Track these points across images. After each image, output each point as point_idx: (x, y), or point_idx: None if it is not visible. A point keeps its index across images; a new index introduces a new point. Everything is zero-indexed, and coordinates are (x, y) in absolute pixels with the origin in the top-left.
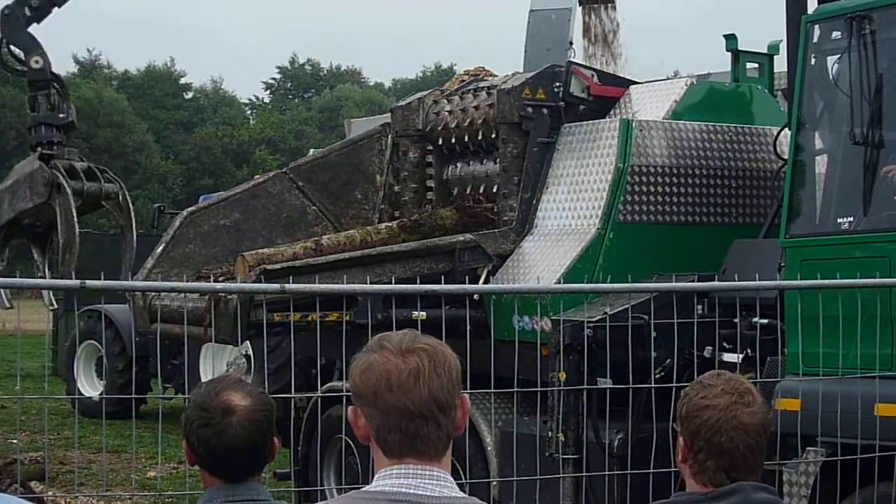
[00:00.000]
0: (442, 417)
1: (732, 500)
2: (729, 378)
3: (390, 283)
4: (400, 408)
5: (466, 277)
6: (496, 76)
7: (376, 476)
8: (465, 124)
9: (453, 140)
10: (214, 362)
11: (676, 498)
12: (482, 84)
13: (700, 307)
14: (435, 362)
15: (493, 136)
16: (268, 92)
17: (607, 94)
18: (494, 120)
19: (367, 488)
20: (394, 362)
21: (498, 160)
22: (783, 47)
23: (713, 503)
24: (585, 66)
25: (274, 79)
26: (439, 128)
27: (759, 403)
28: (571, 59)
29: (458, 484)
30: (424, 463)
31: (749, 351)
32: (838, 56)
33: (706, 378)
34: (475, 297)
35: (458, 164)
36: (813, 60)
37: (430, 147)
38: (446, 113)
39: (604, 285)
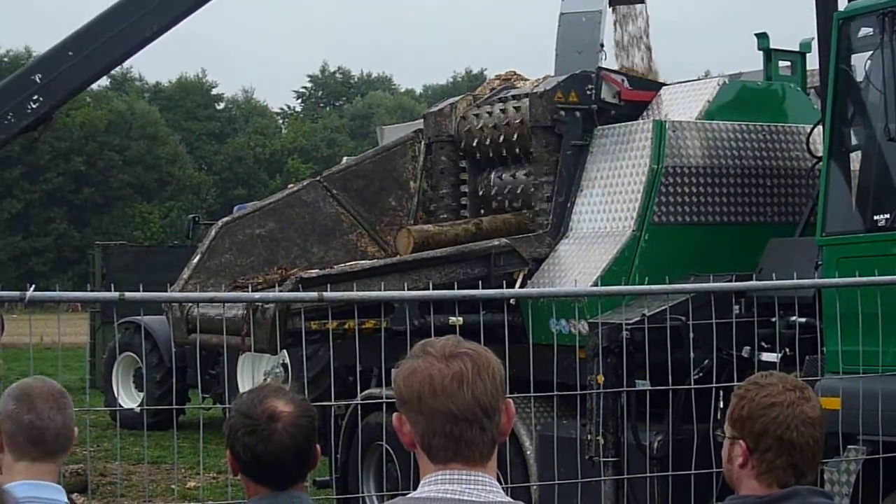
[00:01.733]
0: (486, 421)
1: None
2: (782, 376)
3: (427, 289)
4: (444, 412)
5: (503, 282)
6: (528, 80)
7: (422, 482)
8: (499, 134)
9: (488, 150)
10: (252, 372)
11: (731, 502)
12: (513, 92)
13: (738, 307)
14: (478, 367)
15: (528, 144)
16: (299, 101)
17: (638, 99)
18: (528, 128)
19: (412, 494)
20: (437, 367)
21: (532, 167)
22: (815, 45)
23: None
24: (615, 72)
25: (305, 87)
26: (473, 138)
27: (816, 398)
28: (602, 65)
29: None
30: (469, 468)
31: (788, 350)
32: (870, 52)
33: (759, 378)
34: (512, 301)
35: (495, 173)
36: (845, 57)
37: (464, 157)
38: (479, 123)
39: (641, 287)
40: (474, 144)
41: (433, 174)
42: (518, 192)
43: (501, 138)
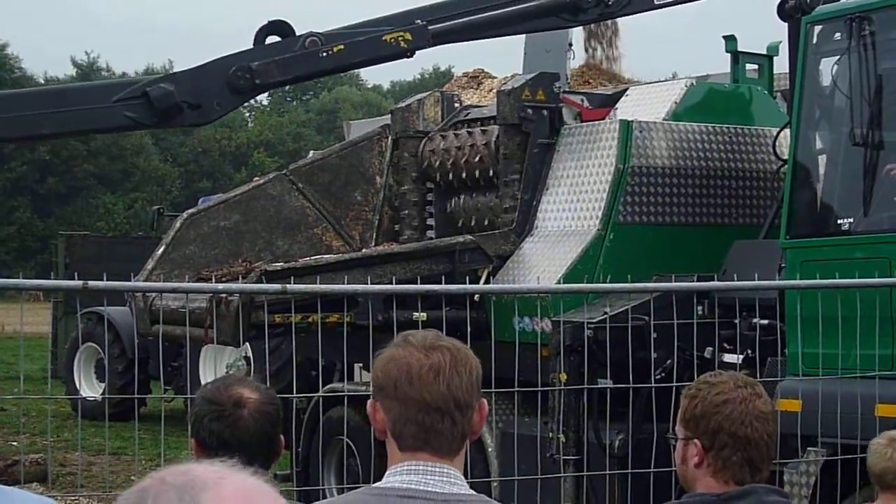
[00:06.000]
0: (458, 415)
1: (745, 501)
2: (732, 374)
3: (391, 284)
4: (418, 400)
5: (467, 278)
6: (495, 77)
7: (387, 472)
8: (463, 161)
9: (451, 177)
10: (215, 364)
11: (688, 499)
12: (472, 115)
13: (700, 308)
14: (456, 361)
15: (493, 171)
16: (266, 94)
17: (600, 117)
18: (493, 156)
19: (377, 484)
20: (416, 356)
21: (499, 182)
22: (783, 48)
23: None
24: (574, 92)
25: None
26: (437, 165)
27: (766, 394)
28: (566, 71)
29: None
30: (437, 459)
31: (749, 351)
32: (838, 57)
33: (710, 377)
34: (475, 297)
35: (461, 197)
36: (813, 61)
37: (430, 185)
38: (443, 150)
39: (604, 285)
40: (438, 170)
41: (399, 170)
42: (486, 218)
43: (467, 166)
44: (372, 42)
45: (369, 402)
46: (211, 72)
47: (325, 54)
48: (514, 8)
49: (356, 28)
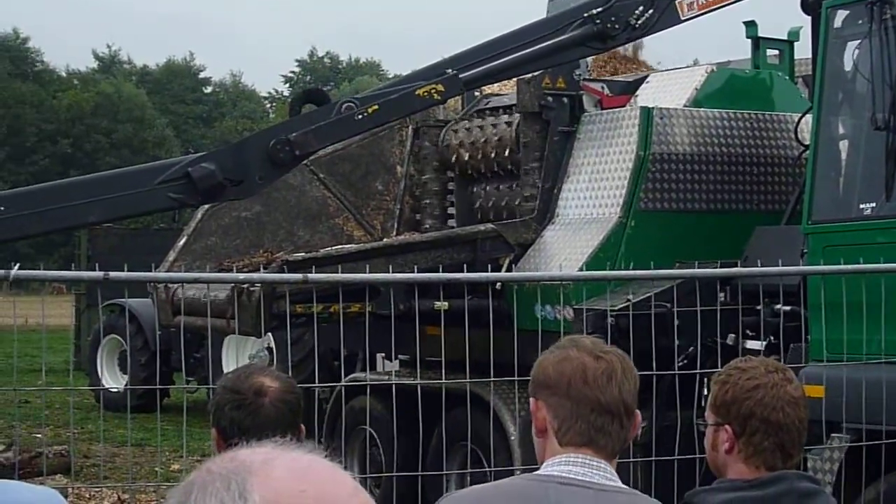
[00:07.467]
0: (625, 419)
1: (777, 487)
2: (763, 359)
3: (412, 273)
4: (592, 400)
5: (489, 267)
6: None
7: (547, 463)
8: (483, 150)
9: (472, 165)
10: (237, 355)
11: (719, 485)
12: (493, 103)
13: (723, 294)
14: (624, 367)
15: (513, 160)
16: (287, 85)
17: (620, 104)
18: (513, 144)
19: (537, 472)
20: (588, 360)
21: (520, 170)
22: (804, 33)
23: (757, 490)
24: (595, 80)
25: (293, 72)
26: (457, 155)
27: (797, 379)
28: (581, 76)
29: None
30: (599, 457)
31: (772, 338)
32: (859, 41)
33: (741, 363)
34: (497, 286)
35: (482, 186)
36: (834, 46)
37: (451, 174)
38: (463, 139)
39: (626, 272)
40: (460, 160)
41: (419, 159)
42: (503, 205)
43: (488, 155)
44: (405, 98)
45: (532, 400)
46: (251, 147)
47: (360, 117)
48: (542, 45)
49: (390, 86)
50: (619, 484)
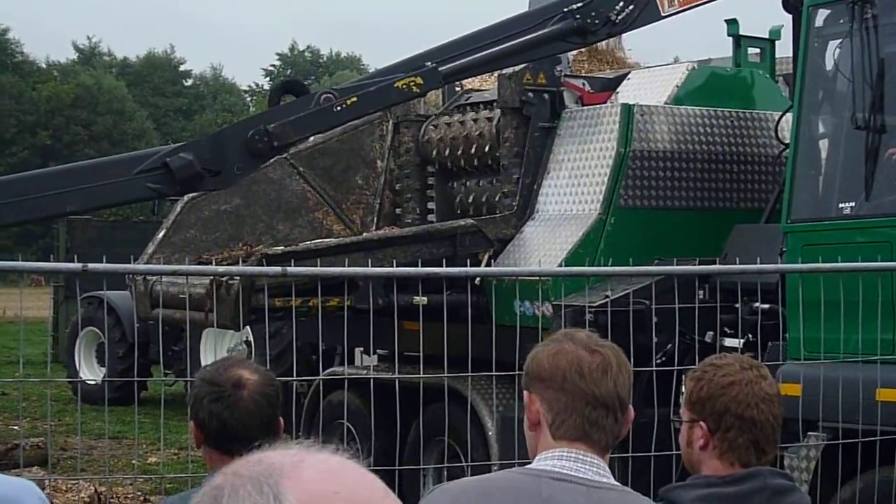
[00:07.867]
0: (619, 414)
1: (751, 484)
2: (738, 357)
3: (391, 267)
4: (587, 393)
5: (468, 262)
6: None
7: (539, 456)
8: (464, 145)
9: (452, 161)
10: (216, 348)
11: (693, 481)
12: (473, 99)
13: (701, 292)
14: (619, 362)
15: (493, 155)
16: (267, 79)
17: (601, 101)
18: (494, 140)
19: (529, 466)
20: (583, 353)
21: (500, 166)
22: (785, 32)
23: (731, 486)
24: (576, 76)
25: (273, 65)
26: (437, 150)
27: (771, 376)
28: (562, 72)
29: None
30: (593, 452)
31: (750, 336)
32: (840, 41)
33: (716, 360)
34: (476, 281)
35: (462, 181)
36: (815, 45)
37: (431, 169)
38: (444, 134)
39: (605, 269)
40: (440, 155)
41: (400, 154)
42: (483, 200)
43: (468, 150)
44: (384, 90)
45: (525, 393)
46: (229, 138)
47: (339, 108)
48: (522, 40)
49: (369, 78)
50: (612, 480)
